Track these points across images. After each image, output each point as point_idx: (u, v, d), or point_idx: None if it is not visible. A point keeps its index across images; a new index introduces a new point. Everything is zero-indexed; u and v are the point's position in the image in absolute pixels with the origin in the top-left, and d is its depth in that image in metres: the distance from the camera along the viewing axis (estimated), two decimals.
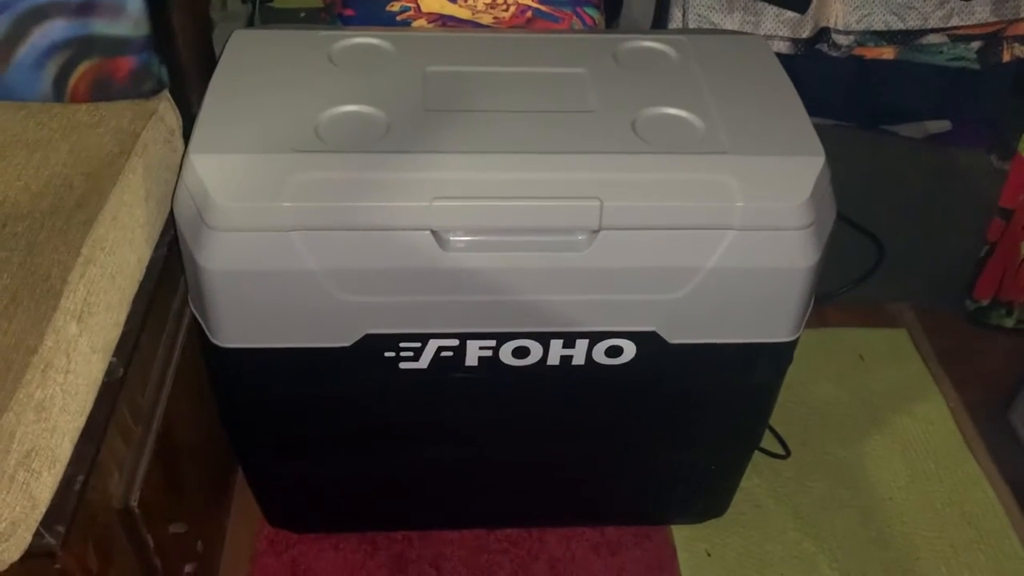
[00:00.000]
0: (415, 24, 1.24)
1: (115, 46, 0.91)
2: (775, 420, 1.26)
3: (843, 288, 1.47)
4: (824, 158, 0.88)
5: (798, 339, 0.96)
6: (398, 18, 1.23)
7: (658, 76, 0.97)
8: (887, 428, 1.37)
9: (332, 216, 0.83)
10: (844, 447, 1.35)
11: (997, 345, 1.51)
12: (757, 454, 1.21)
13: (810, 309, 0.96)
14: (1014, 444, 1.37)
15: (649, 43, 1.02)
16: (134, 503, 0.84)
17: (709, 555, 1.20)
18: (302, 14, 1.43)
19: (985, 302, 1.48)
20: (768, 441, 1.29)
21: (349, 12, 1.25)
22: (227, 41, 0.99)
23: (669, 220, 0.86)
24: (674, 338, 0.93)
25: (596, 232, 0.85)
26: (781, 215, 0.86)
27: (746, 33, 1.21)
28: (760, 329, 0.94)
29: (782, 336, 0.94)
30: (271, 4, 1.35)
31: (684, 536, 1.22)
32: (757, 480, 1.28)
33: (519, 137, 0.88)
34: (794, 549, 1.21)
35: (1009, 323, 1.49)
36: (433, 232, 0.85)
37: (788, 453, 1.32)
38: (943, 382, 1.45)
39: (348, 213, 0.83)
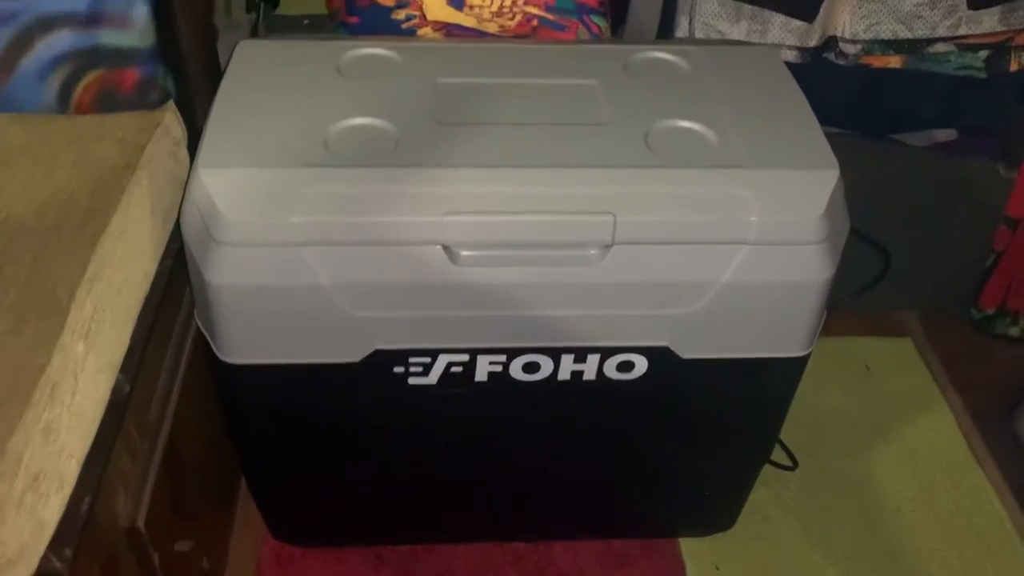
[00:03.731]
0: (420, 32, 1.23)
1: (121, 57, 0.90)
2: (782, 431, 1.25)
3: (848, 297, 1.47)
4: (838, 171, 0.88)
5: (810, 354, 0.95)
6: (403, 26, 1.22)
7: (670, 88, 0.96)
8: (894, 438, 1.37)
9: (342, 231, 0.82)
10: (851, 458, 1.34)
11: (1002, 354, 1.51)
12: (764, 466, 1.20)
13: (822, 323, 0.95)
14: (1020, 453, 1.36)
15: (660, 54, 1.02)
16: (140, 523, 0.82)
17: (717, 568, 1.19)
18: (306, 21, 1.42)
19: (991, 311, 1.48)
20: (775, 452, 1.28)
21: (353, 20, 1.24)
22: (232, 51, 0.98)
23: (683, 234, 0.85)
24: (686, 353, 0.92)
25: (609, 247, 0.84)
26: (796, 229, 0.85)
27: (757, 44, 1.20)
28: (773, 344, 0.93)
29: (794, 351, 0.94)
30: (275, 12, 1.34)
31: (692, 549, 1.21)
32: (764, 492, 1.27)
33: (531, 150, 0.87)
34: (802, 561, 1.20)
35: (1015, 332, 1.49)
36: (444, 247, 0.84)
37: (795, 465, 1.31)
38: (949, 391, 1.44)
39: (358, 228, 0.82)
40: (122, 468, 0.82)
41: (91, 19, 0.86)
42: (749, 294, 0.88)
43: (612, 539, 1.21)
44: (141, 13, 0.89)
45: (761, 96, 0.96)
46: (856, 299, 1.45)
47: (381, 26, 1.22)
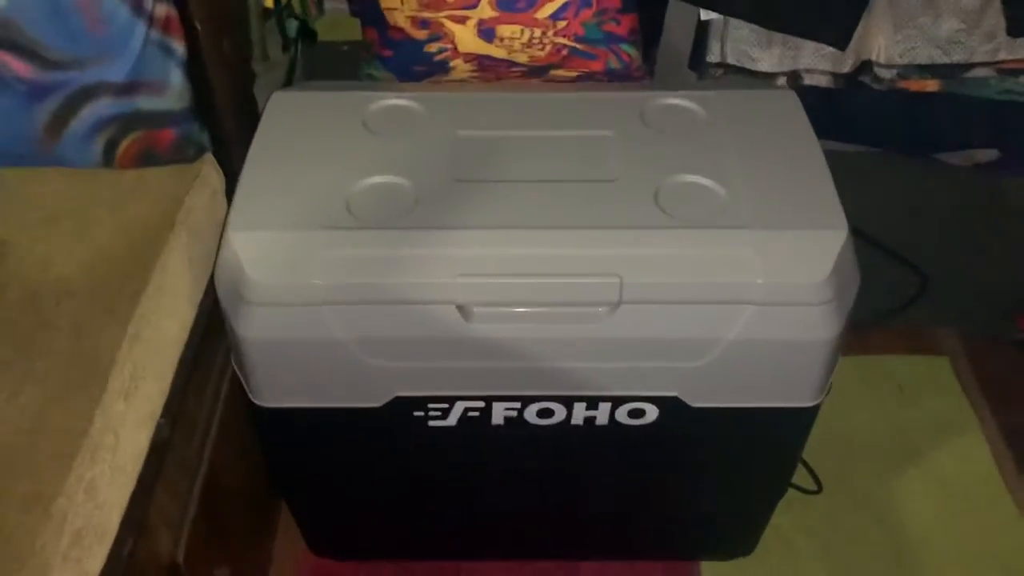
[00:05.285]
0: (452, 64, 1.26)
1: (158, 119, 0.95)
2: (808, 454, 1.26)
3: (884, 317, 1.46)
4: (847, 231, 0.88)
5: (820, 403, 0.97)
6: (436, 59, 1.25)
7: (684, 139, 0.98)
8: (924, 463, 1.37)
9: (361, 291, 0.87)
10: (879, 483, 1.35)
11: None
12: (788, 491, 1.22)
13: (833, 373, 0.96)
14: None
15: (677, 100, 1.03)
16: (180, 559, 0.90)
17: None
18: (345, 47, 1.46)
19: None
20: (800, 475, 1.30)
21: (388, 53, 1.27)
22: (267, 102, 1.03)
23: (688, 295, 0.87)
24: (696, 402, 0.94)
25: (617, 305, 0.87)
26: (801, 291, 0.87)
27: (778, 88, 1.19)
28: (782, 394, 0.95)
29: (804, 401, 0.96)
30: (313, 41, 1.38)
31: (713, 572, 1.24)
32: (788, 515, 1.29)
33: (542, 210, 0.90)
34: None
35: None
36: (458, 306, 0.88)
37: (820, 488, 1.32)
38: (984, 414, 1.43)
39: (376, 289, 0.87)
40: (162, 508, 0.89)
41: (130, 87, 0.92)
42: (756, 350, 0.90)
43: (635, 560, 1.25)
44: (176, 79, 0.94)
45: (776, 147, 0.97)
46: (891, 319, 1.45)
47: (414, 58, 1.26)
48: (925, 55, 1.26)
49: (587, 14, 1.23)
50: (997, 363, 1.49)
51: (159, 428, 0.89)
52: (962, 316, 1.52)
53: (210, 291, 1.02)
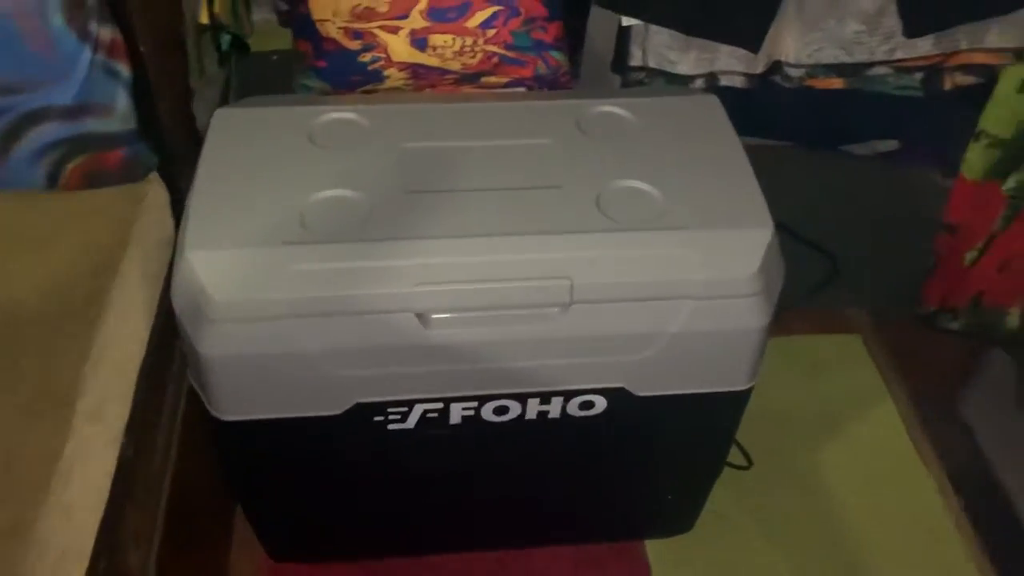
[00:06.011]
0: (386, 73, 1.29)
1: (106, 141, 0.96)
2: (738, 432, 1.35)
3: (798, 300, 1.56)
4: (773, 229, 0.96)
5: (753, 386, 1.05)
6: (369, 68, 1.28)
7: (619, 145, 1.04)
8: (843, 434, 1.47)
9: (321, 304, 0.90)
10: (804, 455, 1.44)
11: (944, 347, 1.61)
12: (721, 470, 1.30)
13: (762, 357, 1.04)
14: (960, 442, 1.47)
15: (609, 108, 1.09)
16: (151, 573, 0.91)
17: (680, 568, 1.30)
18: (274, 56, 1.47)
19: (933, 309, 1.58)
20: (732, 453, 1.38)
21: (322, 64, 1.29)
22: (209, 120, 1.04)
23: (634, 293, 0.93)
24: (641, 391, 1.01)
25: (568, 306, 0.93)
26: (734, 285, 0.94)
27: (701, 93, 1.26)
28: (718, 380, 1.02)
29: (739, 385, 1.03)
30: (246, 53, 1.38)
31: (657, 550, 1.31)
32: (722, 492, 1.36)
33: (492, 218, 0.94)
34: (757, 558, 1.32)
35: (955, 326, 1.59)
36: (416, 313, 0.92)
37: (750, 464, 1.41)
38: (894, 385, 1.55)
39: (336, 301, 0.90)
40: (132, 524, 0.91)
41: (76, 110, 0.92)
42: (695, 341, 0.96)
43: (583, 543, 1.32)
44: (122, 102, 0.95)
45: (703, 151, 1.03)
46: (805, 302, 1.55)
47: (348, 68, 1.28)
48: (830, 55, 1.35)
49: (516, 23, 1.28)
50: (904, 337, 1.61)
51: (123, 448, 0.91)
52: (871, 295, 1.63)
53: (161, 309, 1.03)
